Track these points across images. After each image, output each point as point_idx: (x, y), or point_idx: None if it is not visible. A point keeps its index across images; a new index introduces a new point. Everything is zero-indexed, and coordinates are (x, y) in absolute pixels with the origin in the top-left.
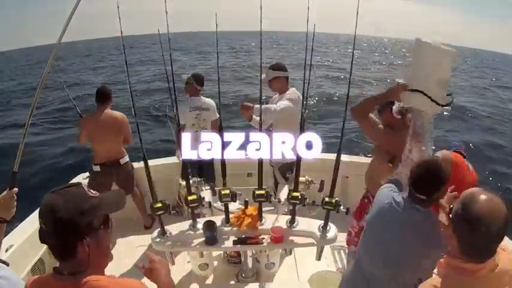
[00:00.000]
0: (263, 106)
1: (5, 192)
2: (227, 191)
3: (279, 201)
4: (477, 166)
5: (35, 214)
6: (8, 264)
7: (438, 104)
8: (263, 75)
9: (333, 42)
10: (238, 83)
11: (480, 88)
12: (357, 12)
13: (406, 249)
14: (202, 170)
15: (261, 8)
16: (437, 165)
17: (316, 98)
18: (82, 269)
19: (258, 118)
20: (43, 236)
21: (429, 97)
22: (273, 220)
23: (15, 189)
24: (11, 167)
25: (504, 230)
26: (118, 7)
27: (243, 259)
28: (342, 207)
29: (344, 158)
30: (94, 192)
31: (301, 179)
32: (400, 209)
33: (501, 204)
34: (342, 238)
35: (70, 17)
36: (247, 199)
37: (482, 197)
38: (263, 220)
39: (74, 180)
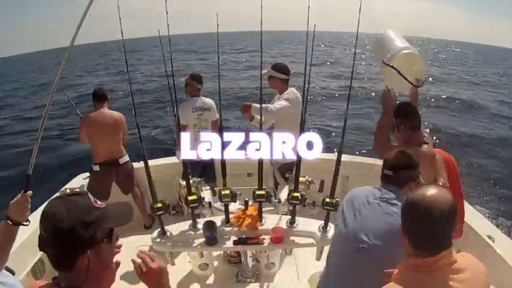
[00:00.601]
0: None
1: (19, 195)
2: (227, 191)
3: (279, 202)
4: (492, 163)
5: (35, 214)
6: (14, 273)
7: (411, 83)
8: (264, 71)
9: (337, 41)
10: (241, 82)
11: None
12: (360, 9)
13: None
14: (205, 170)
15: (261, 7)
16: (405, 150)
17: (319, 99)
18: (79, 282)
19: (258, 117)
20: (42, 243)
21: (403, 76)
22: (273, 220)
23: (30, 192)
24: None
25: (449, 218)
26: (118, 7)
27: (243, 259)
28: None
29: (344, 158)
30: (100, 203)
31: (301, 179)
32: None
33: (445, 194)
34: None
35: (82, 20)
36: (247, 199)
37: (425, 187)
38: (263, 220)
39: (74, 181)
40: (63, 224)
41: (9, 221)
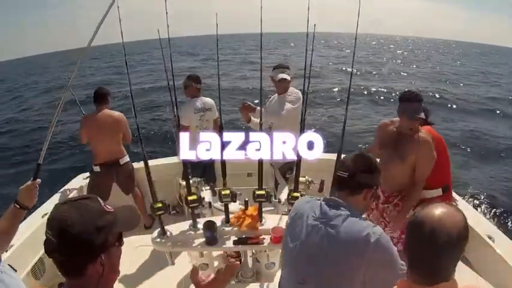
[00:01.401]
0: (270, 111)
1: (29, 182)
2: (227, 191)
3: (279, 202)
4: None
5: (35, 215)
6: (15, 271)
7: None
8: (284, 75)
9: (344, 42)
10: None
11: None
12: (358, 13)
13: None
14: (206, 171)
15: (261, 8)
16: (366, 153)
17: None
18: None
19: (256, 120)
20: (51, 249)
21: None
22: (273, 220)
23: (39, 180)
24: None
25: (456, 245)
26: (118, 7)
27: (243, 259)
28: None
29: None
30: (109, 207)
31: (301, 179)
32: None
33: (457, 217)
34: None
35: (101, 21)
36: (247, 199)
37: (438, 205)
38: (263, 220)
39: (74, 181)
40: (75, 230)
41: (16, 205)
